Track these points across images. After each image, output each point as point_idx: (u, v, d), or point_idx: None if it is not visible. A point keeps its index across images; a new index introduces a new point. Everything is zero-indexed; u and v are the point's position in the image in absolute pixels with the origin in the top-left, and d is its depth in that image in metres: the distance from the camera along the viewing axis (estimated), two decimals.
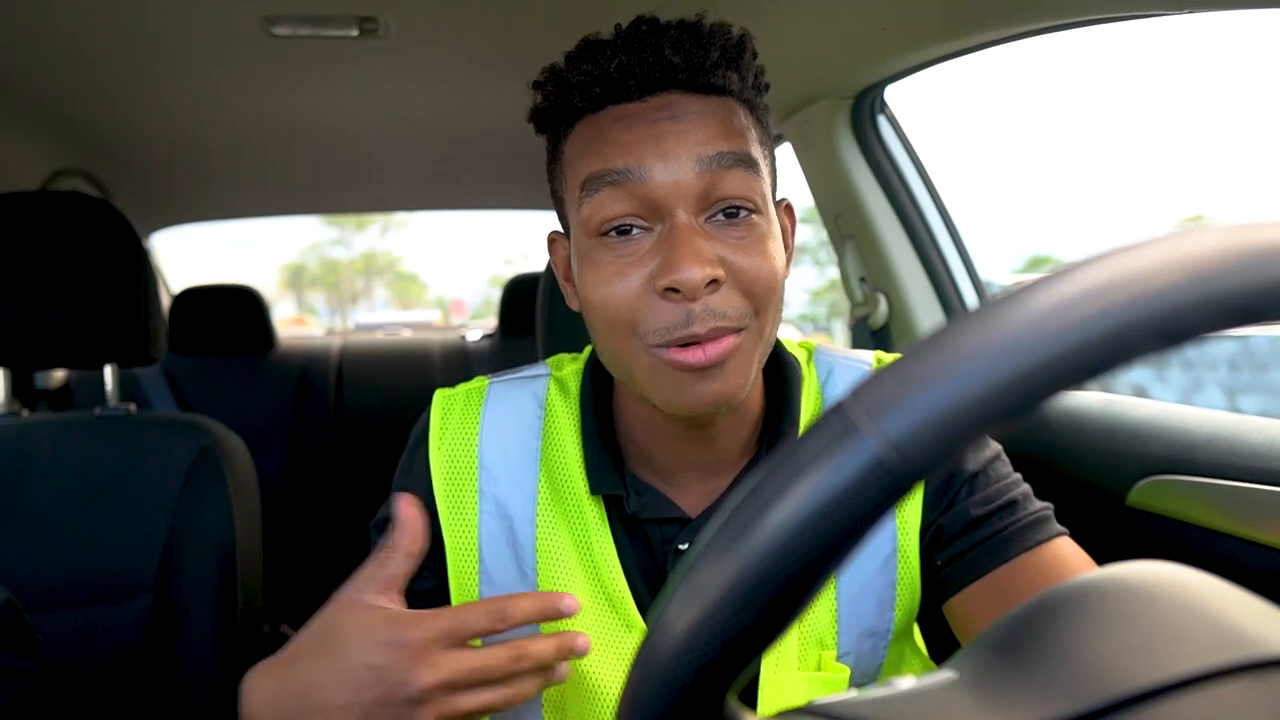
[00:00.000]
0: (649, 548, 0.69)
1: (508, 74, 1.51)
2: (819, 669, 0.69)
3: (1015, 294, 0.24)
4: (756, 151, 0.61)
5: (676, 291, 0.57)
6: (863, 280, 1.52)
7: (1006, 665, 0.27)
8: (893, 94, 1.41)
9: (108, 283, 1.09)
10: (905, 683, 0.27)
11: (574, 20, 1.33)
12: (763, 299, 0.60)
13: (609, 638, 0.68)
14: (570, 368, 0.75)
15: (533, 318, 1.07)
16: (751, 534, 0.23)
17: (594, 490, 0.68)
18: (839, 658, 0.69)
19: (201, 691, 1.04)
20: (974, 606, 0.67)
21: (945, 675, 0.27)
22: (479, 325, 3.72)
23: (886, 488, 0.22)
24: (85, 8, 1.19)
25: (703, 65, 0.59)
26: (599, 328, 0.62)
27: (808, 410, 0.72)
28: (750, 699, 0.67)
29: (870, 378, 0.24)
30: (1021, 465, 0.74)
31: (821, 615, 0.69)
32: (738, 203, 0.59)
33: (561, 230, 0.70)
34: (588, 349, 0.75)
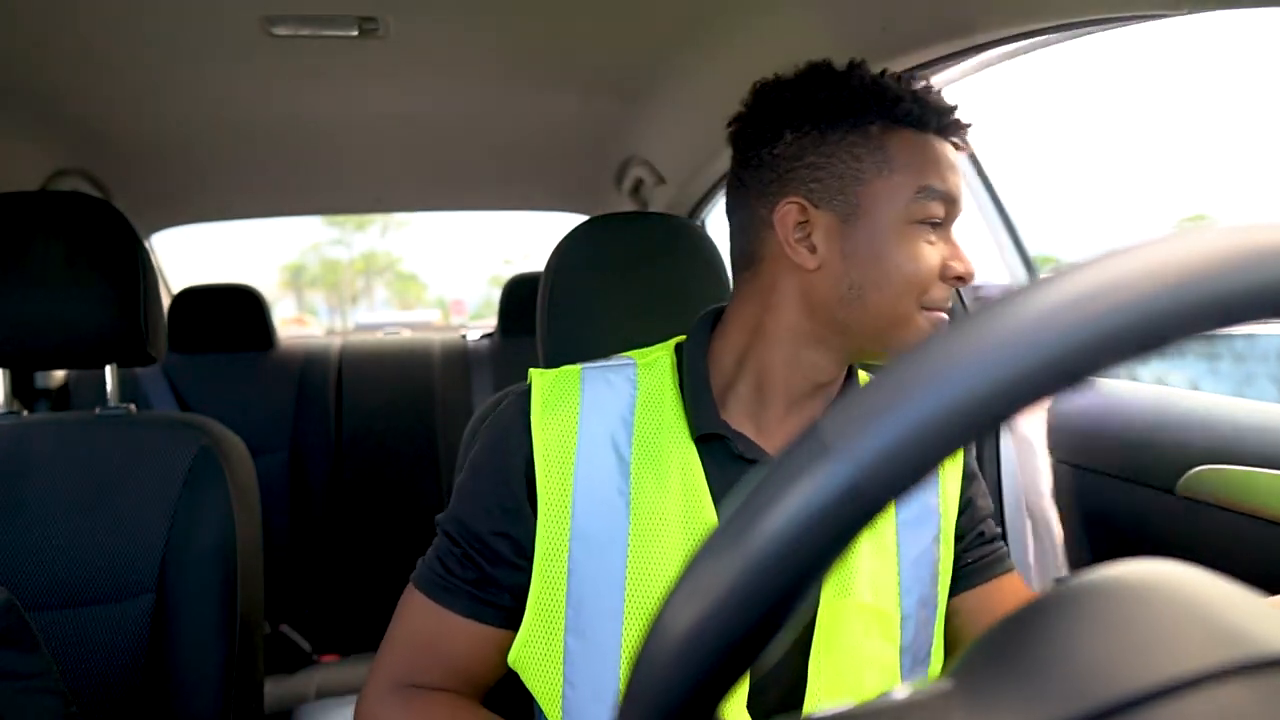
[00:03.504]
0: None
1: (507, 74, 1.51)
2: (877, 620, 0.76)
3: (988, 310, 0.24)
4: None
5: (960, 279, 0.74)
6: None
7: (1002, 672, 0.27)
8: None
9: (107, 283, 1.09)
10: (901, 693, 0.27)
11: (572, 21, 1.33)
12: None
13: None
14: (654, 354, 0.83)
15: (533, 318, 1.06)
16: (732, 551, 0.24)
17: (698, 431, 0.76)
18: (902, 621, 0.77)
19: (202, 691, 1.05)
20: (965, 612, 0.81)
21: (942, 685, 0.27)
22: (479, 325, 3.72)
23: (860, 508, 0.23)
24: (85, 8, 1.19)
25: (967, 131, 0.77)
26: (894, 286, 0.73)
27: None
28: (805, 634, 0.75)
29: (844, 399, 0.25)
30: (1071, 457, 0.76)
31: (886, 582, 0.77)
32: None
33: (808, 202, 0.75)
34: (672, 340, 0.84)
